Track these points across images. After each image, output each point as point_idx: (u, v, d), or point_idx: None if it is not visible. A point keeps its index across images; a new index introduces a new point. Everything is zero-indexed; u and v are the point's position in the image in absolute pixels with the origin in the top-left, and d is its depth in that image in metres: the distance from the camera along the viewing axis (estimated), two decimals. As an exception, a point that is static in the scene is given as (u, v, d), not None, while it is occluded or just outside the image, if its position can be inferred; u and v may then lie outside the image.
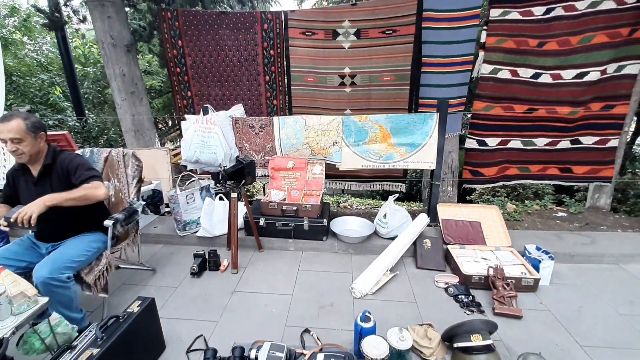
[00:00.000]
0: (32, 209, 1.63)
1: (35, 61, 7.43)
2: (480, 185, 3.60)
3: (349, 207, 4.11)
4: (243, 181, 2.52)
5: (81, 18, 5.27)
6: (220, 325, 2.05)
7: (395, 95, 3.42)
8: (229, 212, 2.67)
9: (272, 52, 3.53)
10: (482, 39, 3.07)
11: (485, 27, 3.03)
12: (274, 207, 2.82)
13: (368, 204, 4.37)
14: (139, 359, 1.69)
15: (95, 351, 1.41)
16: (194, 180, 3.00)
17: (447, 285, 2.32)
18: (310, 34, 3.36)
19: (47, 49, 8.12)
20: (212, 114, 3.07)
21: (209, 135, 3.02)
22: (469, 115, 3.59)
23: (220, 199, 3.06)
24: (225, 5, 6.00)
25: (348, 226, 2.99)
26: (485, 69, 3.11)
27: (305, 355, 1.73)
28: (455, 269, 2.43)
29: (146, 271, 2.57)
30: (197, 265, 2.49)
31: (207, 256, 2.57)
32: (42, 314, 1.52)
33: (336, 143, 3.02)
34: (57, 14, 4.56)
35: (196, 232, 2.94)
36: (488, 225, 2.83)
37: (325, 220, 2.79)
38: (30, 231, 2.05)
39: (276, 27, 3.44)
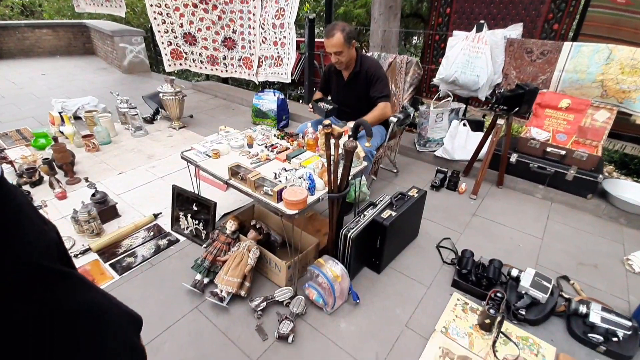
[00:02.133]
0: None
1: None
2: None
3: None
4: (517, 109, 2.31)
5: None
6: (464, 237, 2.15)
7: None
8: (482, 137, 2.59)
9: (580, -40, 2.82)
10: None
11: None
12: (534, 145, 2.54)
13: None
14: (405, 232, 1.99)
15: (393, 213, 1.72)
16: (448, 100, 3.00)
17: None
18: None
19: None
20: (486, 32, 2.85)
21: (477, 56, 2.85)
22: None
23: (464, 125, 2.98)
24: None
25: (627, 193, 2.41)
26: None
27: (570, 298, 1.62)
28: None
29: (389, 172, 2.90)
30: (440, 180, 2.61)
31: (449, 174, 2.64)
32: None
33: (650, 86, 2.32)
34: None
35: (434, 151, 3.04)
36: None
37: (600, 177, 2.33)
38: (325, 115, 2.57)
39: None
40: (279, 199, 1.42)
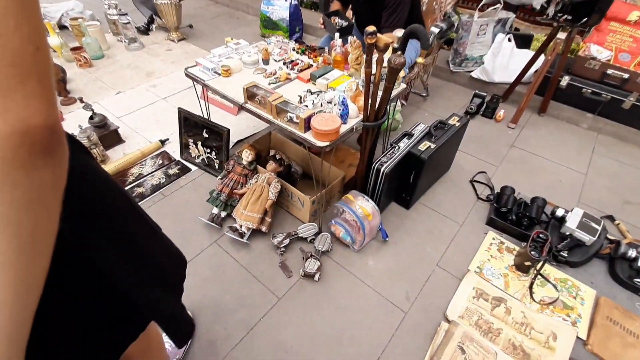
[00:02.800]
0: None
1: None
2: None
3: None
4: (585, 19, 1.90)
5: None
6: (500, 171, 1.96)
7: None
8: (533, 56, 2.21)
9: None
10: None
11: None
12: (593, 67, 2.17)
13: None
14: (440, 165, 1.80)
15: (431, 145, 1.51)
16: (495, 8, 2.50)
17: None
18: None
19: None
20: None
21: (539, -53, 2.28)
22: None
23: (509, 40, 2.55)
24: None
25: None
26: None
27: (619, 240, 1.50)
28: None
29: (417, 96, 2.58)
30: (476, 106, 2.32)
31: (487, 99, 2.34)
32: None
33: None
34: None
35: (471, 71, 2.66)
36: None
37: (665, 104, 2.03)
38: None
39: None
40: (307, 127, 1.20)
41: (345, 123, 1.25)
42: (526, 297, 1.38)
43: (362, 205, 1.41)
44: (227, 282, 1.37)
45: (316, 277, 1.36)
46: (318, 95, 1.31)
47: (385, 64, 1.11)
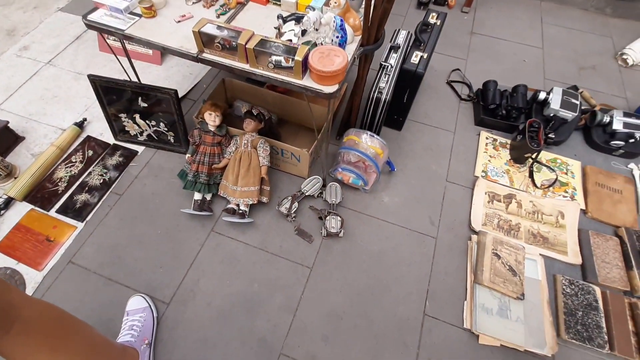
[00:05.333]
0: None
1: None
2: None
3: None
4: None
5: None
6: (470, 63, 1.89)
7: None
8: None
9: None
10: None
11: None
12: None
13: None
14: (422, 77, 1.65)
15: (423, 55, 1.32)
16: None
17: None
18: None
19: None
20: None
21: None
22: None
23: None
24: None
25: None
26: None
27: (594, 110, 1.60)
28: None
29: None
30: (427, -6, 2.10)
31: (437, -16, 2.12)
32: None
33: None
34: None
35: (409, -49, 2.34)
36: None
37: (604, -43, 2.02)
38: None
39: None
40: (304, 70, 0.92)
41: (343, 53, 0.99)
42: (529, 186, 1.45)
43: (369, 144, 1.25)
44: (248, 270, 1.20)
45: (341, 234, 1.26)
46: (297, 21, 0.99)
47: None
